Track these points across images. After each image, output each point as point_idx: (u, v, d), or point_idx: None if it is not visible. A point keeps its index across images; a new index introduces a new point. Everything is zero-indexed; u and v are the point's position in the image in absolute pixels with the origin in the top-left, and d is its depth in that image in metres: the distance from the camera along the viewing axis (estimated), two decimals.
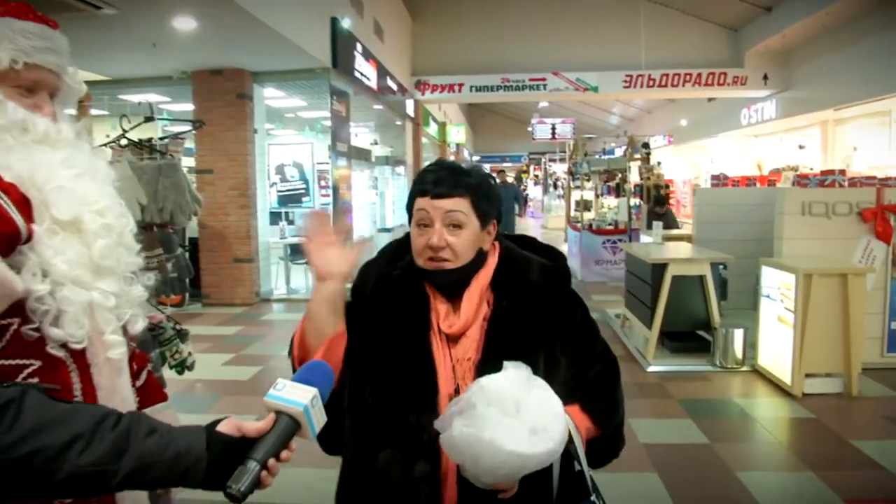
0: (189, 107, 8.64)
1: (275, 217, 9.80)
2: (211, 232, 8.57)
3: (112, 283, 1.12)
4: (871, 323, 5.13)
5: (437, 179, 1.27)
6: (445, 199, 1.25)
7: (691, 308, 5.83)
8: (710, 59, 14.08)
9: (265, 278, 9.00)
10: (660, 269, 5.78)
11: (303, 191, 9.43)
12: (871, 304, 5.12)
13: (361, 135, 13.79)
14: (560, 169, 25.29)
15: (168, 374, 3.07)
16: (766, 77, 13.76)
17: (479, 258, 1.29)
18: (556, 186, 24.29)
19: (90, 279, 1.08)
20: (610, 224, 10.90)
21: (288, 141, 11.28)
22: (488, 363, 1.19)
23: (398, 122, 14.28)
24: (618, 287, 8.64)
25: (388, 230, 13.42)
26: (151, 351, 2.92)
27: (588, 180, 12.38)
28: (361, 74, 10.20)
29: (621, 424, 1.36)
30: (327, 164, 9.26)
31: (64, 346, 1.06)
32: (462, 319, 1.25)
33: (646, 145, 12.55)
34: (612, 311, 7.53)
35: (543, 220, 22.36)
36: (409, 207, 1.31)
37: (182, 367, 3.03)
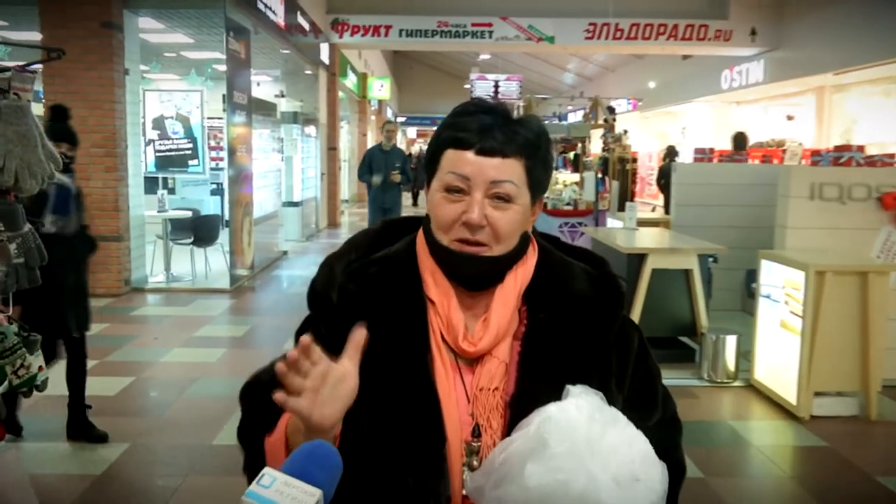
0: (35, 36, 8.07)
1: (151, 184, 9.40)
2: None
3: None
4: (893, 331, 5.15)
5: (484, 127, 1.11)
6: (496, 157, 1.10)
7: (673, 309, 5.84)
8: (689, 8, 14.33)
9: (138, 262, 8.77)
10: (636, 261, 5.76)
11: (188, 151, 9.07)
12: (893, 307, 5.17)
13: (264, 84, 13.39)
14: None
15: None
16: (753, 32, 14.11)
17: (522, 247, 1.16)
18: None
19: None
20: (568, 203, 10.92)
21: (171, 87, 10.77)
22: (526, 397, 1.08)
23: (309, 71, 14.00)
24: None
25: (295, 204, 13.11)
26: None
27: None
28: (266, 7, 9.87)
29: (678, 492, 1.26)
30: (221, 119, 8.90)
31: None
32: (492, 331, 1.12)
33: (611, 109, 12.66)
34: None
35: None
36: (432, 163, 1.15)
37: (30, 385, 2.74)
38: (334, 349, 1.04)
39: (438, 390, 1.10)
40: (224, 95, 8.71)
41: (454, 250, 1.12)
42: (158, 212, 9.01)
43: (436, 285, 1.15)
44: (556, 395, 1.05)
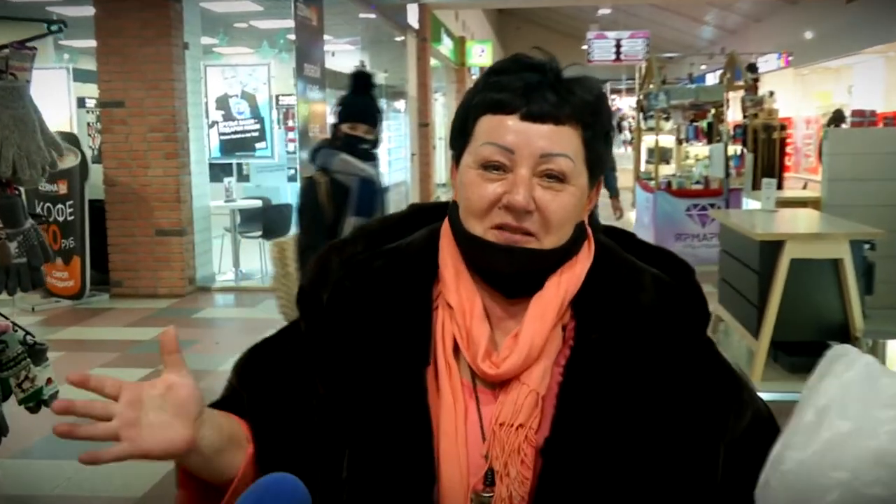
0: (90, 11, 8.44)
1: (217, 171, 9.63)
2: (122, 192, 8.51)
3: None
4: None
5: (531, 86, 1.00)
6: (548, 123, 0.99)
7: (819, 307, 5.62)
8: None
9: (203, 258, 9.02)
10: (772, 249, 5.54)
11: (256, 133, 9.22)
12: None
13: (342, 55, 13.54)
14: (626, 104, 25.08)
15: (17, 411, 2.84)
16: None
17: (579, 240, 1.06)
18: (619, 129, 24.06)
19: None
20: (698, 182, 10.63)
21: (233, 62, 11.08)
22: (566, 444, 0.97)
23: (396, 38, 14.00)
24: (708, 273, 8.30)
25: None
26: None
27: (667, 119, 12.16)
28: None
29: None
30: (292, 95, 9.05)
31: None
32: (523, 350, 0.99)
33: (752, 67, 12.15)
34: None
35: None
36: (462, 135, 1.05)
37: (36, 400, 2.83)
38: (325, 364, 1.04)
39: (441, 422, 1.00)
40: (294, 69, 8.85)
41: (490, 241, 1.00)
42: (226, 201, 9.27)
43: (458, 287, 1.05)
44: (609, 442, 0.97)
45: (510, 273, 1.02)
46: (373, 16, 12.02)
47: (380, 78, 13.51)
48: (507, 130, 0.99)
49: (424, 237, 1.11)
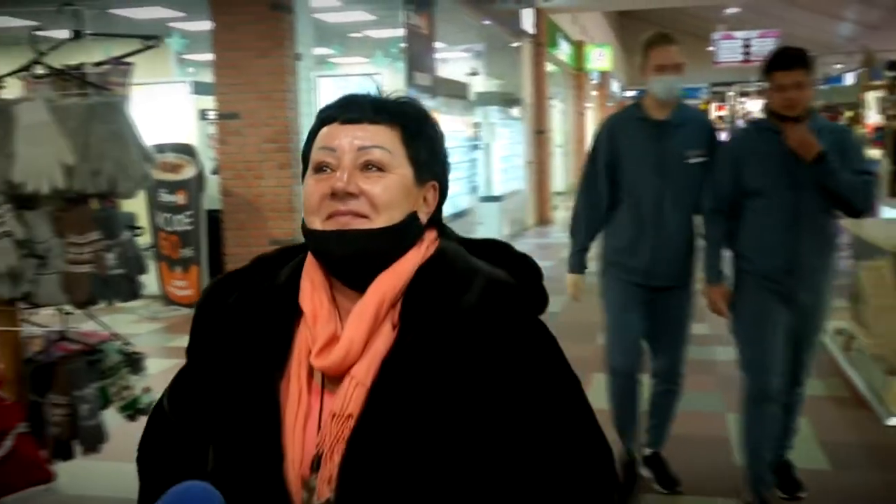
0: (209, 25, 8.72)
1: None
2: (238, 202, 8.69)
3: None
4: None
5: (349, 103, 1.20)
6: (363, 123, 1.17)
7: None
8: None
9: None
10: None
11: None
12: None
13: (454, 62, 13.63)
14: (756, 106, 24.33)
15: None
16: None
17: (410, 230, 1.18)
18: None
19: None
20: None
21: (343, 72, 11.29)
22: (371, 429, 1.10)
23: (511, 44, 13.96)
24: (839, 287, 7.92)
25: (495, 199, 13.23)
26: (85, 386, 2.81)
27: None
28: None
29: None
30: None
31: None
32: (343, 346, 1.13)
33: (892, 65, 11.57)
34: (831, 326, 6.89)
35: None
36: (306, 159, 1.23)
37: (134, 409, 2.93)
38: (200, 372, 1.22)
39: (286, 417, 1.13)
40: (406, 77, 8.92)
41: (321, 229, 1.14)
42: None
43: (311, 295, 1.17)
44: (413, 429, 1.08)
45: (342, 255, 1.13)
46: (486, 22, 12.02)
47: (493, 84, 13.53)
48: (329, 135, 1.17)
49: (294, 263, 1.24)
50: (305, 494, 1.11)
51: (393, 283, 1.15)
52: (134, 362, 2.93)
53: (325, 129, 1.19)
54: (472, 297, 1.15)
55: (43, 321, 3.08)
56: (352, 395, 1.12)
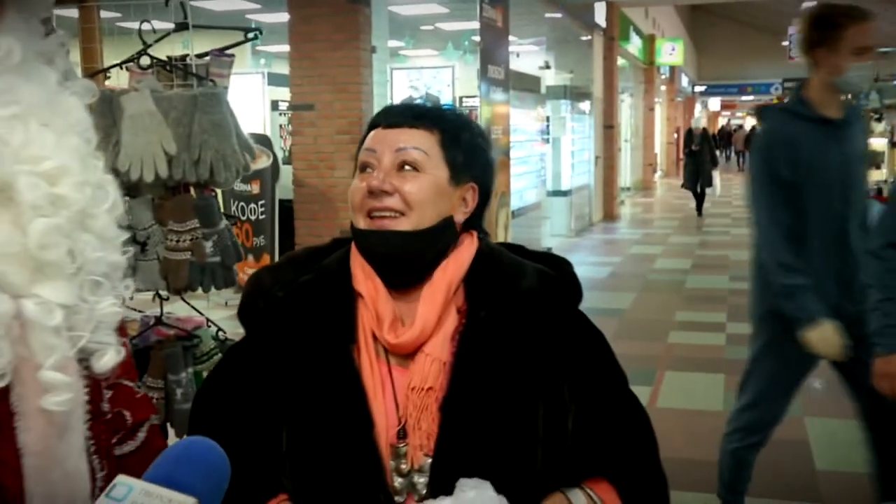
0: (285, 17, 8.83)
1: None
2: (310, 193, 8.77)
3: (60, 288, 1.01)
4: None
5: (392, 110, 1.35)
6: (402, 127, 1.29)
7: None
8: None
9: None
10: None
11: None
12: None
13: (526, 56, 13.59)
14: None
15: None
16: None
17: (447, 231, 1.29)
18: None
19: (22, 280, 0.98)
20: None
21: (417, 64, 11.32)
22: (460, 401, 1.22)
23: (583, 37, 13.89)
24: None
25: (563, 193, 13.18)
26: (182, 370, 2.87)
27: (879, 120, 11.57)
28: None
29: None
30: (475, 97, 9.09)
31: None
32: (418, 325, 1.24)
33: None
34: None
35: None
36: (357, 156, 1.33)
37: None
38: (262, 361, 1.28)
39: (365, 386, 1.23)
40: (478, 71, 8.92)
41: (364, 228, 1.25)
42: None
43: (364, 277, 1.28)
44: (495, 399, 1.22)
45: (383, 253, 1.25)
46: (559, 15, 11.96)
47: (564, 78, 13.46)
48: (373, 138, 1.29)
49: (341, 254, 1.34)
50: (394, 462, 1.22)
51: (457, 269, 1.28)
52: (227, 349, 2.98)
53: (371, 134, 1.31)
54: (531, 282, 1.30)
55: (137, 305, 3.15)
56: (429, 370, 1.24)
